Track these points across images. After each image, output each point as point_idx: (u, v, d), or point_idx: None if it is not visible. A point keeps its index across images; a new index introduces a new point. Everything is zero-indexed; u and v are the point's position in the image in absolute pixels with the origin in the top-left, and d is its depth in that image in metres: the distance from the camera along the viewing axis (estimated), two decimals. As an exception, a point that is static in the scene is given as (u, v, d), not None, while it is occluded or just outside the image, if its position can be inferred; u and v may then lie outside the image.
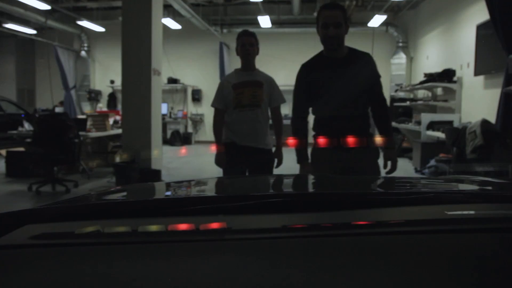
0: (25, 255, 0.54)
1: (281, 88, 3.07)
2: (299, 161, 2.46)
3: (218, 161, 3.01)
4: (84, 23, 10.28)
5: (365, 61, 2.36)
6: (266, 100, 2.95)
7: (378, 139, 2.36)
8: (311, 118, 2.50)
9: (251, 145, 2.91)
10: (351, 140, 2.28)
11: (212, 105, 3.04)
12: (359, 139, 2.29)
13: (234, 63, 11.31)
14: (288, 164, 2.89)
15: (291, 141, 2.44)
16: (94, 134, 6.19)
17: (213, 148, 3.17)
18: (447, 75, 7.02)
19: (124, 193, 1.12)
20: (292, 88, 2.51)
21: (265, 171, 2.95)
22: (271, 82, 3.02)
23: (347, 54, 2.34)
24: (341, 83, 2.29)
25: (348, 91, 2.29)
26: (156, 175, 5.39)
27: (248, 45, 2.91)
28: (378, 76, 2.39)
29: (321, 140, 2.34)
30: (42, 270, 0.48)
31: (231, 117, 2.95)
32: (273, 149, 3.05)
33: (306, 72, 2.42)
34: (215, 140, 3.04)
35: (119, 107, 10.07)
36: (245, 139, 2.91)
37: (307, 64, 2.45)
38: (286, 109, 11.33)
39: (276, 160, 3.02)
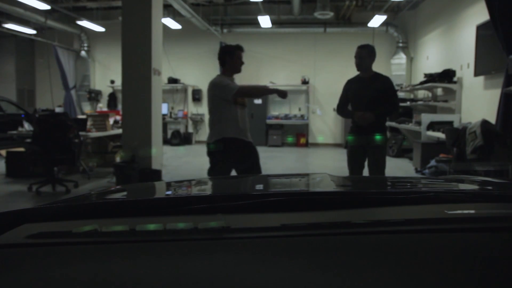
0: (23, 254, 0.53)
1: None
2: (352, 117, 3.63)
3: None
4: (84, 23, 10.27)
5: (383, 81, 3.57)
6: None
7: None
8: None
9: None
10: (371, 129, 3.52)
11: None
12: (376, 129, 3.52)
13: (234, 63, 11.30)
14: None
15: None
16: (94, 134, 6.19)
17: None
18: (447, 75, 7.02)
19: (123, 193, 1.12)
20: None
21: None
22: None
23: (372, 75, 3.56)
24: (364, 94, 3.51)
25: (369, 99, 3.48)
26: (156, 175, 5.39)
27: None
28: (394, 90, 3.66)
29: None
30: (39, 269, 0.48)
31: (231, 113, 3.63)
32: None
33: (348, 84, 3.67)
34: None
35: (119, 107, 10.06)
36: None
37: (350, 79, 3.70)
38: (286, 110, 11.33)
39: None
